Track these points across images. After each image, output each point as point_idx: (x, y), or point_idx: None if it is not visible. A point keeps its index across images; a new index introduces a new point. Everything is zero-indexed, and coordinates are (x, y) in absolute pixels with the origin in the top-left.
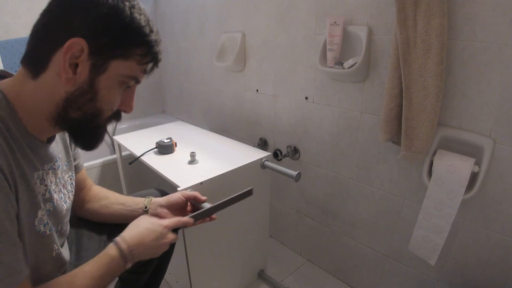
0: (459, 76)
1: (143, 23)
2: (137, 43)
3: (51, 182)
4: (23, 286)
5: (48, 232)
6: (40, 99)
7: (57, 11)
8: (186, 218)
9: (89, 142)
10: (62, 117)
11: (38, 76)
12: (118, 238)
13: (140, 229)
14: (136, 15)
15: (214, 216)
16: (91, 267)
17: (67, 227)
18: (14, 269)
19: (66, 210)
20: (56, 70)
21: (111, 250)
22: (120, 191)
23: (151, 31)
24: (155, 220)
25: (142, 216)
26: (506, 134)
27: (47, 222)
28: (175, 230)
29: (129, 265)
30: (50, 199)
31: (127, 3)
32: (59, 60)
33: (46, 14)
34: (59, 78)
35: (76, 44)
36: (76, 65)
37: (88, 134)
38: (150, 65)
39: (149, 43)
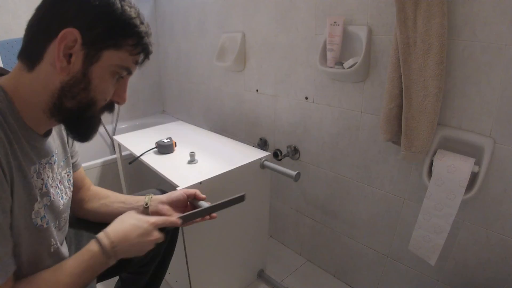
0: (459, 76)
1: (133, 15)
2: (128, 33)
3: (48, 177)
4: (8, 282)
5: (45, 226)
6: (36, 91)
7: (51, 4)
8: (174, 218)
9: (84, 133)
10: (57, 107)
11: (33, 68)
12: (101, 234)
13: (124, 224)
14: (127, 7)
15: (214, 214)
16: (71, 263)
17: (65, 224)
18: (5, 262)
19: (63, 205)
20: (51, 61)
21: (92, 245)
22: (120, 191)
23: (141, 22)
24: (141, 216)
25: (128, 212)
26: (506, 134)
27: (44, 216)
28: (162, 229)
29: (111, 262)
30: (47, 194)
31: None
32: (53, 51)
33: (41, 8)
34: (54, 69)
35: (70, 34)
36: (70, 55)
37: (82, 124)
38: (141, 56)
39: (140, 34)
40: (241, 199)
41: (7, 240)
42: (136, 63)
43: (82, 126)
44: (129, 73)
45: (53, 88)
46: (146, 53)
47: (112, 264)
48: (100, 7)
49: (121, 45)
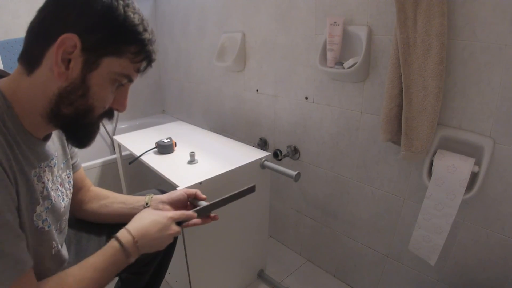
0: (459, 76)
1: (136, 21)
2: (130, 41)
3: (48, 180)
4: (27, 278)
5: (46, 229)
6: (34, 95)
7: (53, 7)
8: (190, 212)
9: (82, 139)
10: (55, 113)
11: (33, 72)
12: (123, 230)
13: (144, 220)
14: (130, 13)
15: (216, 215)
16: (96, 259)
17: (66, 225)
18: (18, 260)
19: (64, 207)
20: (50, 66)
21: (115, 242)
22: (120, 191)
23: (145, 30)
24: (159, 212)
25: (146, 209)
26: (506, 134)
27: (46, 219)
28: (178, 223)
29: (134, 258)
30: (48, 197)
31: (121, 2)
32: (52, 55)
33: (42, 11)
34: (52, 74)
35: (69, 40)
36: (69, 61)
37: (80, 131)
38: (143, 64)
39: (142, 42)
40: (251, 190)
41: (20, 238)
42: (138, 70)
43: (80, 133)
44: (130, 80)
45: (51, 93)
46: (149, 61)
47: (134, 259)
48: (102, 13)
49: (122, 52)
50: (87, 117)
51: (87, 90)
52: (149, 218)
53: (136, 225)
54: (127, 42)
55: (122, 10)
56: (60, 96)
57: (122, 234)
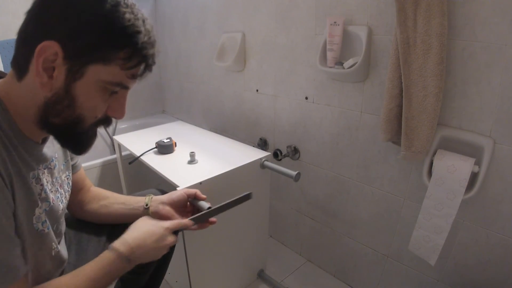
0: (459, 76)
1: (126, 22)
2: (119, 45)
3: (47, 182)
4: (21, 284)
5: (46, 230)
6: (25, 102)
7: (36, 10)
8: (186, 221)
9: (75, 147)
10: (44, 121)
11: (22, 78)
12: (119, 240)
13: (141, 230)
14: (119, 14)
15: (214, 219)
16: (91, 269)
17: (62, 227)
18: (11, 266)
19: (62, 209)
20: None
21: (111, 251)
22: (120, 191)
23: (138, 32)
24: (155, 222)
25: (142, 218)
26: (506, 134)
27: (45, 220)
28: (175, 232)
29: (129, 267)
30: (46, 199)
31: (108, 2)
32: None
33: (28, 13)
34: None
35: (48, 48)
36: (54, 69)
37: (73, 140)
38: (139, 69)
39: (135, 45)
40: (247, 197)
41: (14, 244)
42: (133, 76)
43: (73, 141)
44: (124, 88)
45: (39, 102)
46: (146, 65)
47: (128, 270)
48: (85, 15)
49: (109, 59)
50: (77, 127)
51: (72, 101)
52: (146, 228)
53: (132, 235)
54: (115, 47)
55: (109, 11)
56: (46, 106)
57: (118, 244)
